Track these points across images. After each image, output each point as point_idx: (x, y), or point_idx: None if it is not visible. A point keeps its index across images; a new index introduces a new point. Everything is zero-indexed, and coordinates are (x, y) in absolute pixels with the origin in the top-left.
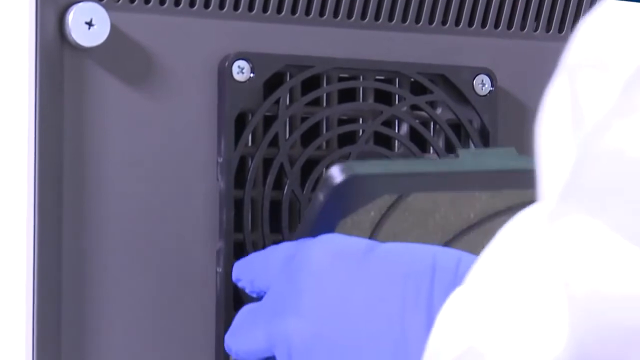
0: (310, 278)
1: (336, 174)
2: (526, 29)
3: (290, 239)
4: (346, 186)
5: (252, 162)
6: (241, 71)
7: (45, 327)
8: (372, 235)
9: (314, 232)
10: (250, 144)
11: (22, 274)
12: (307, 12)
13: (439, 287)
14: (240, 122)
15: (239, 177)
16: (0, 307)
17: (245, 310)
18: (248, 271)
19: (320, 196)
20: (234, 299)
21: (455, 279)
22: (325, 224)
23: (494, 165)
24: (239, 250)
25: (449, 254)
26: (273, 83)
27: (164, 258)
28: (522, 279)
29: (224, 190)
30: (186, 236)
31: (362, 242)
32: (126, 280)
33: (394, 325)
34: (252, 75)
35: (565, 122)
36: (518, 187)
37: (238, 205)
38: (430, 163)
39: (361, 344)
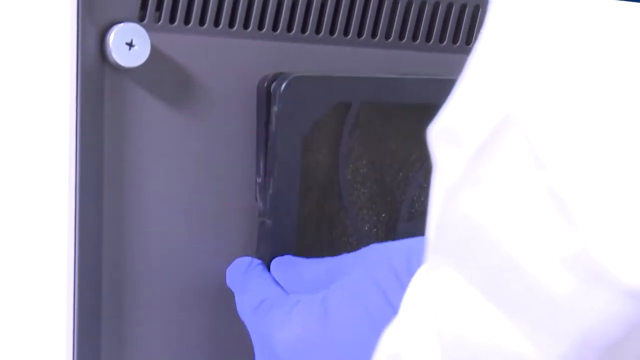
0: None
1: (280, 81)
2: None
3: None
4: (292, 90)
5: None
6: None
7: (85, 343)
8: (346, 154)
9: (280, 148)
10: None
11: (63, 295)
12: (345, 32)
13: (393, 295)
14: None
15: None
16: (43, 310)
17: None
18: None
19: (275, 109)
20: None
21: (408, 274)
22: (288, 137)
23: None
24: None
25: (385, 267)
26: None
27: (201, 275)
28: (410, 324)
29: (263, 210)
30: (224, 255)
31: (314, 307)
32: (164, 297)
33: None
34: None
35: (435, 183)
36: None
37: None
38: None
39: None
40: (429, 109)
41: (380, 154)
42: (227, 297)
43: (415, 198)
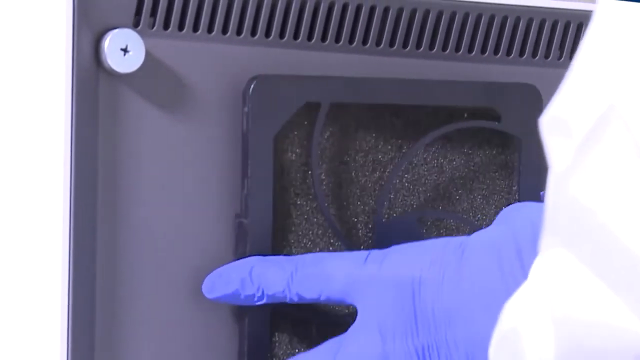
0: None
1: (249, 82)
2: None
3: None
4: (261, 90)
5: None
6: None
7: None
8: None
9: (251, 147)
10: None
11: (57, 296)
12: (337, 39)
13: (527, 256)
14: None
15: None
16: (37, 312)
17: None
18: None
19: (245, 109)
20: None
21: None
22: (259, 136)
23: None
24: None
25: (527, 226)
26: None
27: (192, 278)
28: (529, 300)
29: (239, 210)
30: (216, 258)
31: (452, 247)
32: (157, 298)
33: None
34: None
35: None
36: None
37: None
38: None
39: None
40: (400, 110)
41: (354, 154)
42: (217, 309)
43: (391, 198)
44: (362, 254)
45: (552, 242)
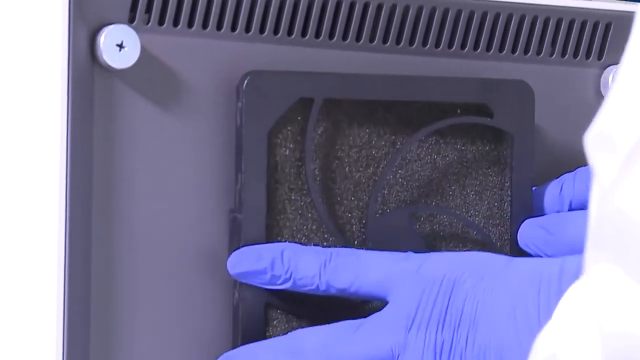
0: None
1: (243, 77)
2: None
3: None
4: (255, 85)
5: None
6: None
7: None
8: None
9: (245, 142)
10: None
11: (53, 293)
12: (331, 35)
13: (569, 277)
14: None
15: None
16: (33, 308)
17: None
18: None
19: (239, 104)
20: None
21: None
22: (252, 131)
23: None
24: None
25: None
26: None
27: (186, 273)
28: (566, 326)
29: (233, 205)
30: (210, 253)
31: (500, 260)
32: (153, 293)
33: (532, 321)
34: None
35: (593, 184)
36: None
37: None
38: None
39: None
40: (393, 106)
41: (347, 150)
42: (217, 295)
43: (385, 193)
44: (401, 253)
45: (597, 257)
